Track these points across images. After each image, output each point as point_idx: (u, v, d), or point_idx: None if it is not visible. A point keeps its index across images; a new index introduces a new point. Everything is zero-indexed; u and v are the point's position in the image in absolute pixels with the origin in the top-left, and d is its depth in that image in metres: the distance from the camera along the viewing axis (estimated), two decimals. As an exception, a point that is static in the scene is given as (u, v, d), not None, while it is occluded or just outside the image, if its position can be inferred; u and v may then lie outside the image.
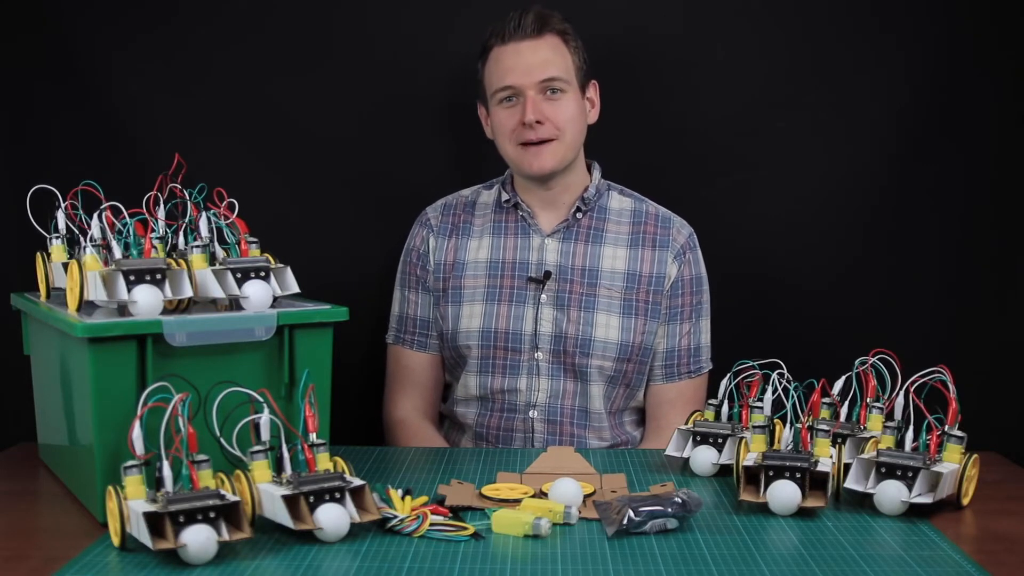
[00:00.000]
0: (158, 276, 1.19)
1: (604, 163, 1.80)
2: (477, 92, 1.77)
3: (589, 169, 1.77)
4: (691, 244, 1.76)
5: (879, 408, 1.35)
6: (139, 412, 1.07)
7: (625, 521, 1.12)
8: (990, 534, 1.18)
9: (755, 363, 1.37)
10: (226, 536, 1.04)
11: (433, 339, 1.78)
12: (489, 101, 1.72)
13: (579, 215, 1.74)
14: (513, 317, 1.70)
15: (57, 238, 1.35)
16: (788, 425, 1.28)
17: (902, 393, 1.31)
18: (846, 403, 1.37)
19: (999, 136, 1.90)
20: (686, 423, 1.41)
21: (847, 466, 1.26)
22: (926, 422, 1.24)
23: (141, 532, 1.03)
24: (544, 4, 1.69)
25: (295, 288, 1.27)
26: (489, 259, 1.74)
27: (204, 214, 1.28)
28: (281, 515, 1.09)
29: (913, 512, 1.20)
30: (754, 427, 1.29)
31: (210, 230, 1.28)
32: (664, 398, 1.76)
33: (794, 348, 1.52)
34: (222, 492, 1.06)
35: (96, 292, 1.17)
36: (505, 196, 1.75)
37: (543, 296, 1.70)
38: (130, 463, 1.06)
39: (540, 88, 1.66)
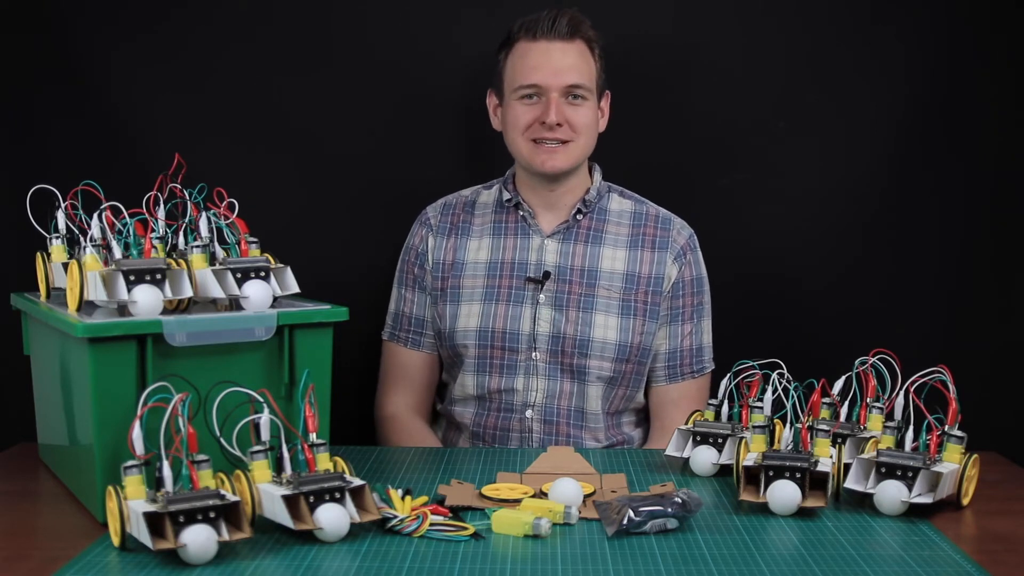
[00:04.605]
0: (158, 276, 1.19)
1: (605, 164, 1.79)
2: (492, 80, 1.75)
3: (590, 171, 1.78)
4: (691, 245, 1.76)
5: (879, 408, 1.35)
6: (139, 412, 1.07)
7: (625, 521, 1.12)
8: (990, 534, 1.18)
9: (755, 363, 1.37)
10: (226, 536, 1.04)
11: (428, 338, 1.78)
12: (506, 93, 1.71)
13: (579, 216, 1.74)
14: (510, 317, 1.70)
15: (57, 238, 1.35)
16: (788, 425, 1.28)
17: (902, 393, 1.31)
18: (846, 403, 1.37)
19: (999, 136, 1.90)
20: (686, 423, 1.41)
21: (847, 466, 1.26)
22: (926, 422, 1.24)
23: (141, 532, 1.03)
24: (554, 5, 1.68)
25: (295, 288, 1.27)
26: (489, 259, 1.74)
27: (204, 214, 1.28)
28: (281, 515, 1.09)
29: (913, 512, 1.20)
30: (754, 427, 1.29)
31: (210, 230, 1.28)
32: (667, 399, 1.76)
33: (794, 348, 1.52)
34: (222, 492, 1.06)
35: (96, 292, 1.17)
36: (507, 196, 1.75)
37: (541, 296, 1.70)
38: (130, 463, 1.06)
39: (564, 91, 1.65)
